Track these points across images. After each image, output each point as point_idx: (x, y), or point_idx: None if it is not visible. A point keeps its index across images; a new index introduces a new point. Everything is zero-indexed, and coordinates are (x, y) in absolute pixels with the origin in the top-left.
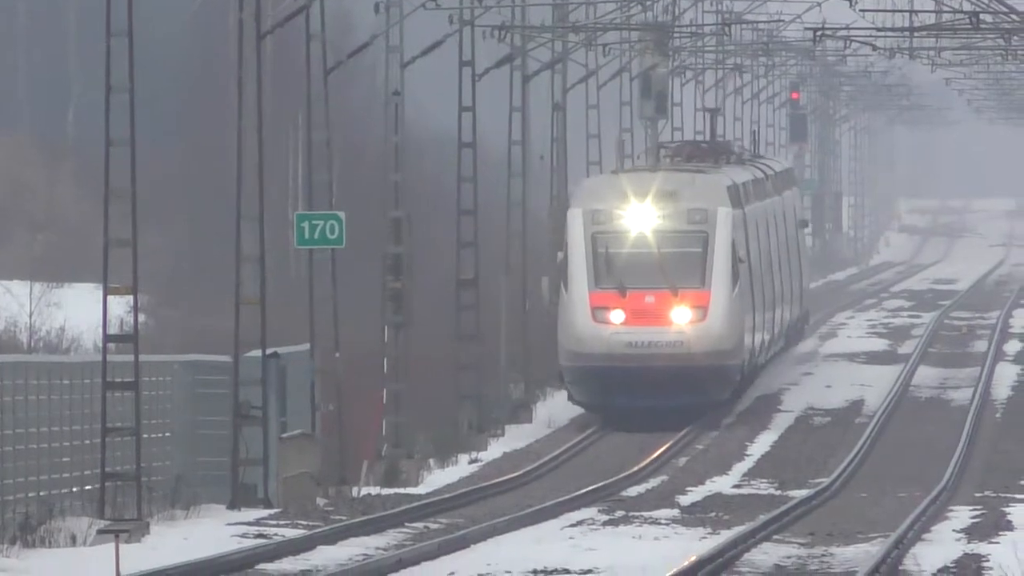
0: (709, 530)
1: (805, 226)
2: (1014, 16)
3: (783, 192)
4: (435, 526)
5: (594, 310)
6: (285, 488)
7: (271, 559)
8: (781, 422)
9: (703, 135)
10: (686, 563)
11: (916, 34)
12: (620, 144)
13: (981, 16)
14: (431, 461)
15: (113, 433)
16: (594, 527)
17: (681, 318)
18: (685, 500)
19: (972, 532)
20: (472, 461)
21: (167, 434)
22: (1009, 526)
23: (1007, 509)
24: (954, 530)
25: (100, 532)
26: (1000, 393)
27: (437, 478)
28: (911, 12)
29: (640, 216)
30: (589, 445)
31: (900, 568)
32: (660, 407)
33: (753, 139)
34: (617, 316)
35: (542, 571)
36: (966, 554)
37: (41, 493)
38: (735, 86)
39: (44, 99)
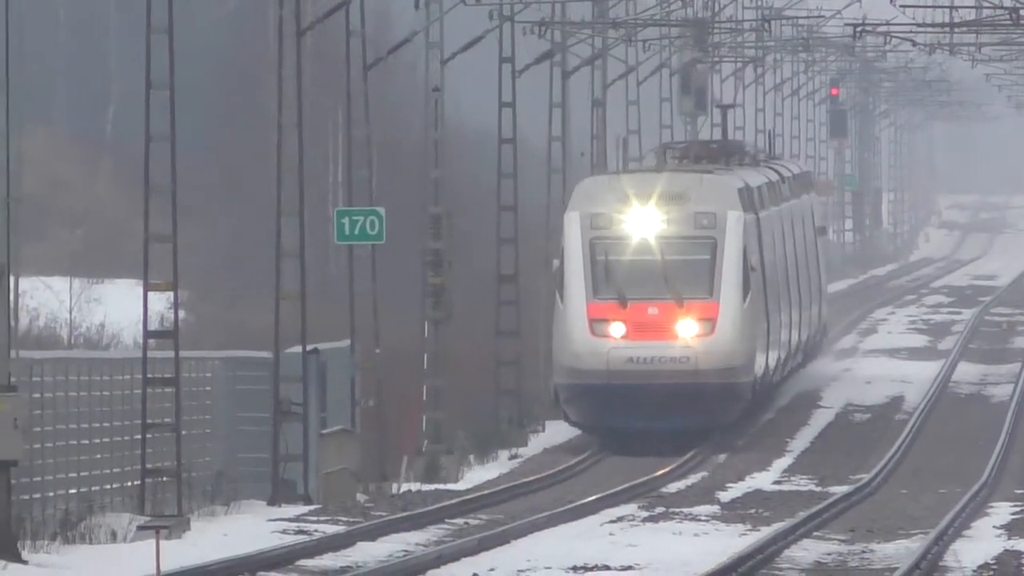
0: (749, 526)
1: (824, 233)
2: None
3: (800, 196)
4: (475, 522)
5: (592, 323)
6: (325, 484)
7: (311, 555)
8: (821, 418)
9: (743, 132)
10: (726, 559)
11: (956, 30)
12: (623, 143)
13: (1021, 12)
14: (471, 457)
15: (153, 429)
16: (634, 523)
17: (687, 332)
18: (725, 496)
19: (1012, 528)
20: (512, 457)
21: (207, 430)
22: None
23: None
24: (994, 526)
25: (140, 528)
26: None
27: (477, 474)
28: (951, 8)
29: (643, 220)
30: (629, 441)
31: (940, 564)
32: (663, 429)
33: (768, 140)
34: (617, 329)
35: (582, 567)
36: (1006, 550)
37: (81, 489)
38: (775, 82)
39: (84, 96)
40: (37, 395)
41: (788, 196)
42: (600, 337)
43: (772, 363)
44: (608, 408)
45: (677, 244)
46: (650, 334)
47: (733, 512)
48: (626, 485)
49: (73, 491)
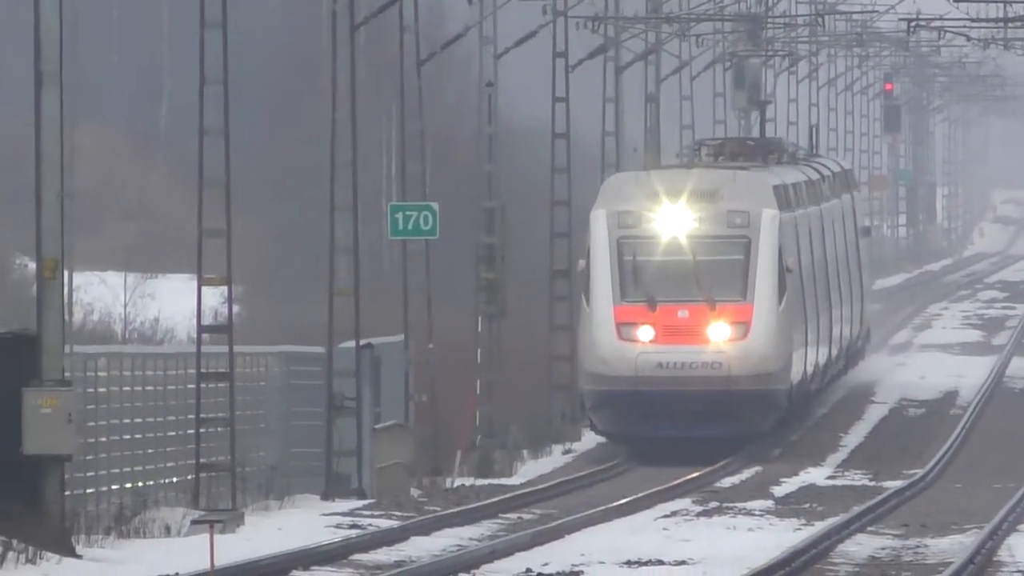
0: (803, 521)
1: (867, 234)
2: None
3: (841, 195)
4: (529, 517)
5: (619, 326)
6: (379, 479)
7: (365, 550)
8: (875, 413)
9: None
10: (780, 554)
11: (1010, 24)
12: (647, 138)
13: None
14: (524, 452)
15: (207, 424)
16: (688, 518)
17: (719, 335)
18: (779, 491)
19: None
20: (566, 452)
21: (261, 425)
22: None
23: None
24: None
25: (194, 523)
26: None
27: (530, 468)
28: (1005, 2)
29: (673, 219)
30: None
31: (994, 559)
32: (694, 438)
33: (810, 136)
34: (646, 333)
35: (636, 562)
36: None
37: (136, 484)
38: (828, 77)
39: (137, 91)
40: (91, 390)
41: (828, 195)
42: (627, 341)
43: (810, 369)
44: (636, 416)
45: (709, 244)
46: (680, 338)
47: (787, 507)
48: (680, 480)
49: (127, 485)
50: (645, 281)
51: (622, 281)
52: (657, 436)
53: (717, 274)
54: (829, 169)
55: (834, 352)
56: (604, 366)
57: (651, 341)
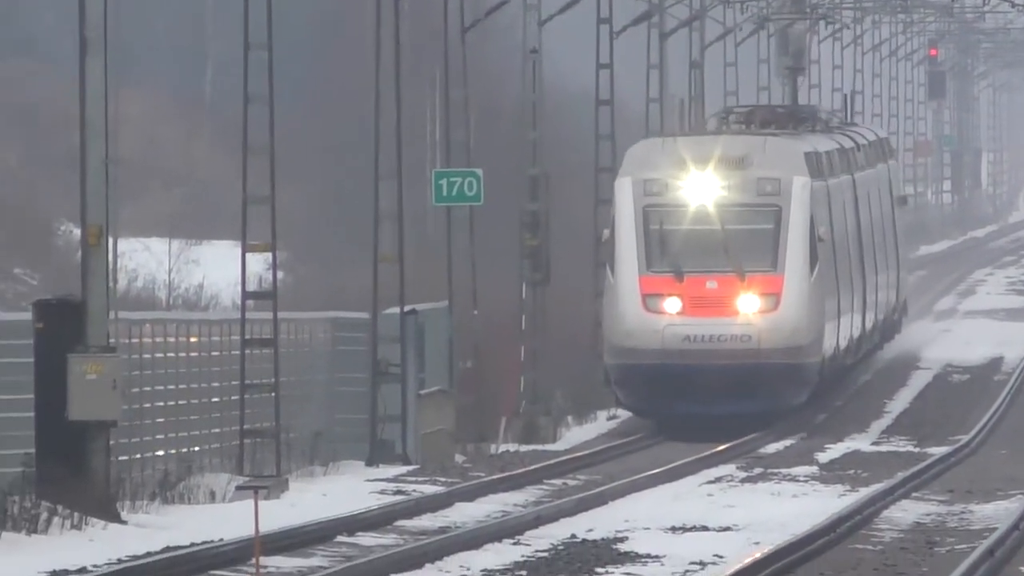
0: (848, 487)
1: (904, 203)
2: None
3: (876, 164)
4: (573, 483)
5: (645, 298)
6: (423, 445)
7: (410, 516)
8: (919, 379)
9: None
10: (824, 520)
11: None
12: (681, 105)
13: None
14: (569, 418)
15: (252, 390)
16: (732, 484)
17: (749, 307)
18: (823, 457)
19: None
20: (610, 417)
21: (306, 391)
22: None
23: None
24: None
25: (239, 488)
26: None
27: (575, 435)
28: None
29: (700, 187)
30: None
31: None
32: (723, 414)
33: (845, 103)
34: (672, 305)
35: (680, 528)
36: None
37: (180, 450)
38: (873, 43)
39: (182, 57)
40: (136, 356)
41: (863, 164)
42: (654, 313)
43: (843, 343)
44: (662, 391)
45: (738, 212)
46: (708, 310)
47: (832, 473)
48: (724, 446)
49: (172, 451)
50: (672, 251)
51: (648, 251)
52: (684, 412)
53: (746, 244)
54: (864, 137)
55: (868, 325)
56: (629, 339)
57: (678, 313)
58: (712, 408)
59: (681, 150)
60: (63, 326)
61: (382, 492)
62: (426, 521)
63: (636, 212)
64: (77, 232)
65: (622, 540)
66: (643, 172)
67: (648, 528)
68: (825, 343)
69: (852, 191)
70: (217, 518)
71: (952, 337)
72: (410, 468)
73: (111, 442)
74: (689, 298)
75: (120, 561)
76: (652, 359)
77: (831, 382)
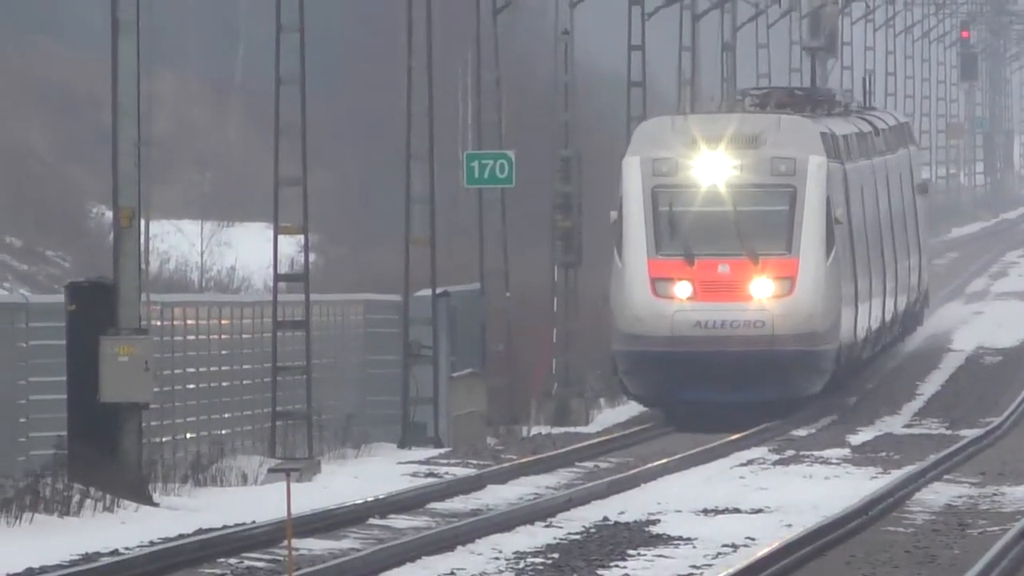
0: (880, 469)
1: (925, 191)
2: None
3: (897, 150)
4: (605, 465)
5: (655, 282)
6: (455, 427)
7: (442, 498)
8: (951, 362)
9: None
10: (856, 502)
11: None
12: (689, 85)
13: None
14: (601, 400)
15: (284, 372)
16: (764, 466)
17: (762, 292)
18: (855, 440)
19: None
20: None
21: (337, 373)
22: None
23: None
24: None
25: (271, 471)
26: None
27: (607, 417)
28: None
29: (712, 166)
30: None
31: None
32: (735, 403)
33: (865, 87)
34: (683, 290)
35: (712, 510)
36: None
37: (212, 432)
38: (905, 24)
39: (213, 38)
40: (168, 338)
41: (883, 149)
42: (663, 298)
43: (861, 331)
44: (672, 379)
45: (751, 193)
46: (720, 295)
47: (863, 455)
48: (756, 428)
49: (204, 434)
50: (682, 233)
51: (657, 233)
52: (695, 401)
53: (760, 226)
54: (884, 122)
55: (888, 315)
56: (638, 325)
57: (688, 298)
58: (723, 397)
59: (692, 128)
60: (95, 308)
61: (414, 474)
62: (458, 503)
63: (645, 193)
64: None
65: (654, 523)
66: (652, 151)
67: (680, 511)
68: (842, 330)
69: (871, 176)
70: (249, 500)
71: (984, 319)
72: (442, 450)
73: (143, 424)
74: (700, 282)
75: (152, 543)
76: (661, 346)
77: (848, 373)
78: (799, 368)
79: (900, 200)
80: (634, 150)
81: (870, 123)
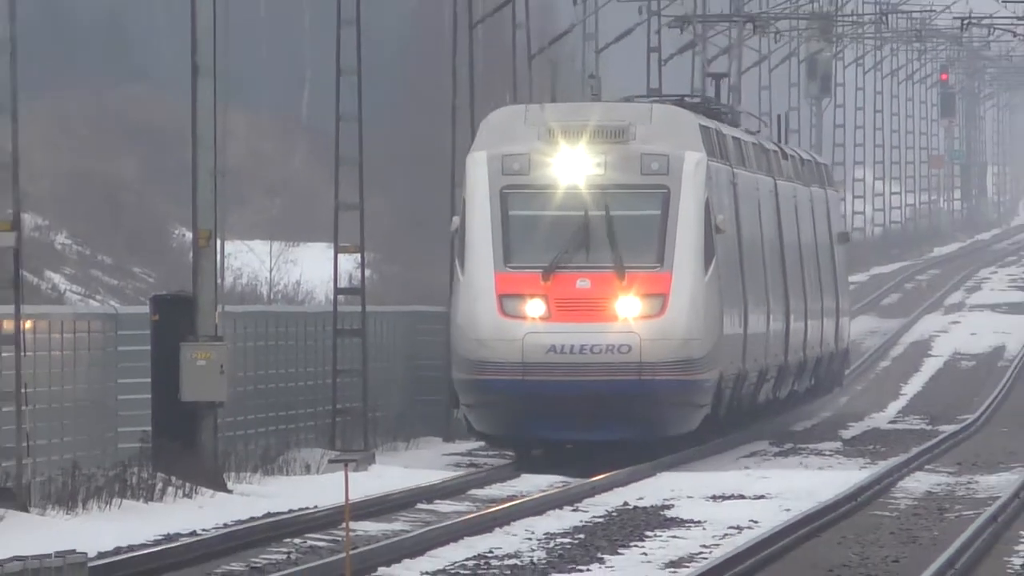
0: (868, 460)
1: (846, 241)
2: None
3: (811, 185)
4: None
5: (501, 299)
6: None
7: (481, 486)
8: (931, 365)
9: (861, 111)
10: (847, 489)
11: None
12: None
13: None
14: None
15: (342, 375)
16: (766, 458)
17: (628, 311)
18: (847, 434)
19: None
20: None
21: (390, 376)
22: None
23: None
24: None
25: (331, 461)
26: None
27: None
28: None
29: (571, 164)
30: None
31: None
32: (596, 441)
33: (779, 125)
34: (535, 308)
35: (720, 496)
36: None
37: (279, 427)
38: (891, 68)
39: (281, 80)
40: (240, 344)
41: (791, 175)
42: (512, 318)
43: (752, 364)
44: (522, 414)
45: (617, 195)
46: (579, 315)
47: (854, 448)
48: (760, 426)
49: (272, 429)
50: (535, 242)
51: (506, 242)
52: (549, 439)
53: (627, 233)
54: (796, 153)
55: (794, 355)
56: (482, 350)
57: (541, 318)
58: (582, 435)
59: (549, 119)
60: (176, 318)
61: (457, 465)
62: (495, 490)
63: (492, 195)
64: (189, 235)
65: (668, 507)
66: (501, 146)
67: (691, 497)
68: (725, 357)
69: (772, 194)
70: (312, 488)
71: (960, 328)
72: (482, 443)
73: (218, 420)
74: (555, 300)
75: (226, 526)
76: (509, 374)
77: (735, 412)
78: (671, 401)
79: (813, 237)
80: (480, 144)
81: (777, 146)
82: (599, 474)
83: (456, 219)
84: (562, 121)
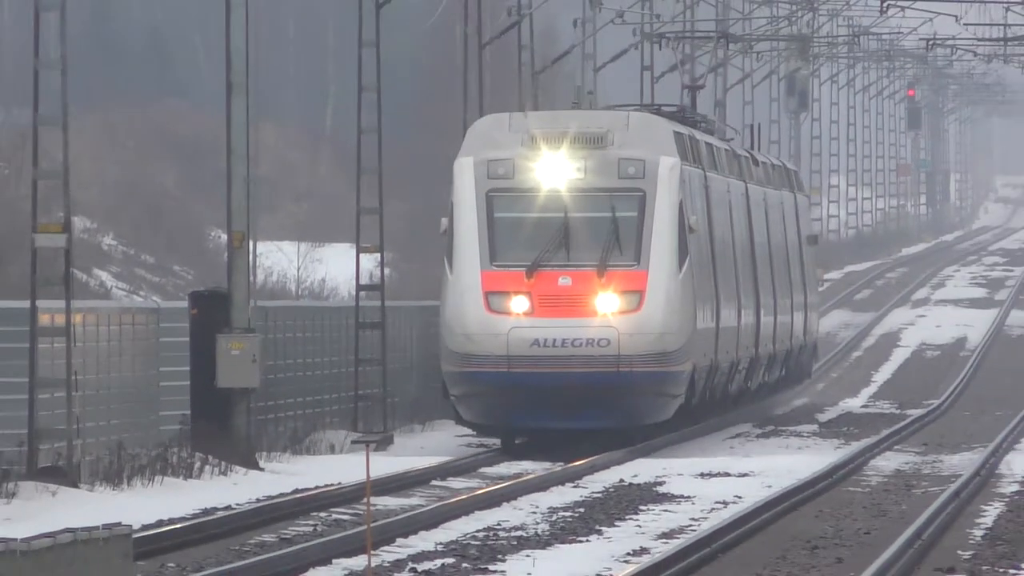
0: (842, 441)
1: (815, 243)
2: None
3: (780, 188)
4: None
5: (488, 296)
6: None
7: (491, 464)
8: (900, 355)
9: (838, 126)
10: (823, 467)
11: (1009, 43)
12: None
13: None
14: None
15: (364, 363)
16: (749, 439)
17: (607, 307)
18: (823, 417)
19: None
20: None
21: (407, 364)
22: None
23: None
24: None
25: (354, 442)
26: None
27: None
28: (1005, 26)
29: (552, 168)
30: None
31: (996, 472)
32: (577, 429)
33: (752, 134)
34: (519, 304)
35: (707, 474)
36: None
37: (306, 411)
38: (863, 84)
39: (307, 96)
40: (271, 336)
41: (762, 179)
42: (498, 314)
43: (724, 357)
44: (507, 404)
45: (596, 198)
46: (561, 310)
47: (829, 430)
48: (743, 410)
49: (300, 412)
50: (519, 242)
51: (491, 242)
52: (533, 428)
53: (605, 234)
54: (767, 159)
55: (764, 348)
56: (469, 344)
57: (525, 314)
58: (564, 424)
59: (531, 126)
60: (213, 312)
61: (468, 445)
62: (503, 468)
63: (478, 197)
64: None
65: (661, 484)
66: (486, 151)
67: (681, 474)
68: (698, 350)
69: (744, 199)
70: (336, 466)
71: (926, 321)
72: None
73: (251, 405)
74: (538, 296)
75: (258, 500)
76: (495, 366)
77: (708, 402)
78: (648, 391)
79: (783, 237)
80: (467, 150)
81: (749, 153)
82: (576, 460)
83: (445, 221)
84: (544, 128)
